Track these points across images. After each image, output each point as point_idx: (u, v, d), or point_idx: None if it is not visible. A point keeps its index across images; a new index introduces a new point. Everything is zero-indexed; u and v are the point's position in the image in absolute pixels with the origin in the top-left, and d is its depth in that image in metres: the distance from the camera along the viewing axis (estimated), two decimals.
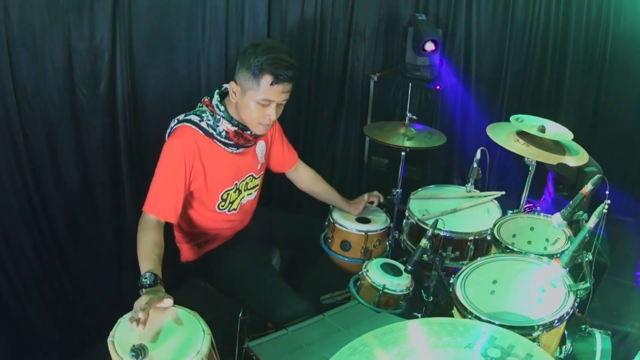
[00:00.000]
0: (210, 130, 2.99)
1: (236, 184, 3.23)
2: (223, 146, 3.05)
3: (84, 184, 3.53)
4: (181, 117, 3.01)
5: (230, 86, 2.96)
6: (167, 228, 3.08)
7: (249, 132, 3.07)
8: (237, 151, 3.13)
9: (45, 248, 3.38)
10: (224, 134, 3.01)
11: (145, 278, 2.53)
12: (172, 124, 3.02)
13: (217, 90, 3.09)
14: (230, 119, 3.00)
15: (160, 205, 2.86)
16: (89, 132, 3.48)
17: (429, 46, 5.22)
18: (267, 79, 2.81)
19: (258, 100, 2.87)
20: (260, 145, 3.36)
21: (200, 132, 2.96)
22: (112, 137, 3.62)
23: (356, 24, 5.52)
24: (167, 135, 3.03)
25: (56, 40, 3.17)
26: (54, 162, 3.34)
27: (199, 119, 2.98)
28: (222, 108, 3.00)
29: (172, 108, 3.11)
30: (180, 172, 2.89)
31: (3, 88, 2.96)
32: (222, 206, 3.21)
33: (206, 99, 3.07)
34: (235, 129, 3.02)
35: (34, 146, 3.20)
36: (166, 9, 3.72)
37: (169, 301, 2.37)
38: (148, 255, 2.65)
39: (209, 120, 2.99)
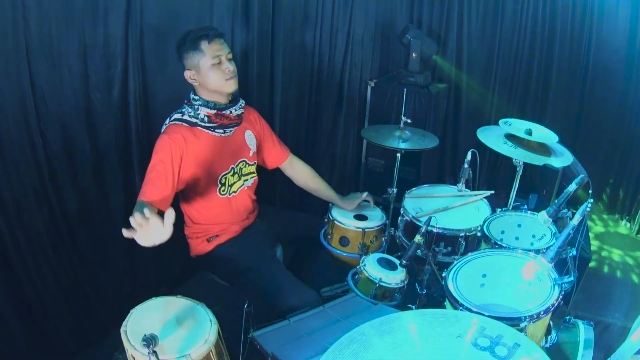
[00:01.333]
0: (194, 120, 3.09)
1: (232, 168, 3.27)
2: (210, 131, 3.14)
3: (98, 183, 3.54)
4: (167, 120, 3.13)
5: (186, 76, 3.09)
6: (177, 225, 3.09)
7: (228, 112, 3.17)
8: (225, 134, 3.22)
9: (62, 243, 3.39)
10: (206, 119, 3.10)
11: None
12: (162, 129, 3.11)
13: (191, 90, 3.18)
14: (206, 104, 3.10)
15: (149, 193, 2.89)
16: (103, 134, 3.48)
17: (423, 54, 5.24)
18: (203, 43, 3.00)
19: (211, 62, 3.01)
20: (249, 134, 3.42)
21: (185, 124, 3.07)
22: (125, 138, 3.63)
23: (354, 32, 5.52)
24: None
25: (72, 49, 3.17)
26: (69, 162, 3.34)
27: (181, 114, 3.11)
28: (197, 97, 3.11)
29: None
30: (168, 163, 2.95)
31: (22, 93, 2.97)
32: (223, 191, 3.25)
33: (186, 100, 3.17)
34: (215, 111, 3.12)
35: (51, 147, 3.21)
36: (175, 17, 3.72)
37: (170, 213, 2.33)
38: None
39: (190, 112, 3.10)
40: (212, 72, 3.02)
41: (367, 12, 5.57)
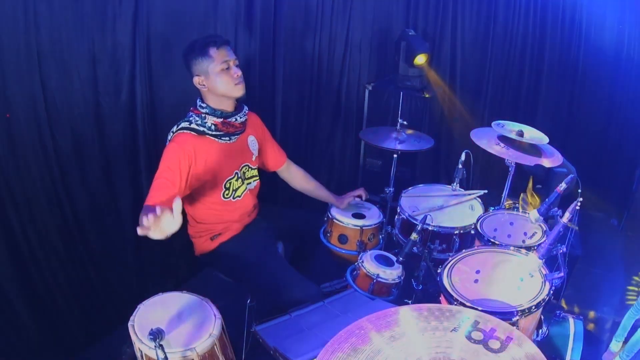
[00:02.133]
0: (201, 129, 3.07)
1: (236, 173, 3.28)
2: (216, 139, 3.13)
3: (106, 183, 3.54)
4: (174, 128, 3.10)
5: (196, 82, 3.08)
6: (181, 225, 3.10)
7: (234, 119, 3.16)
8: (230, 141, 3.21)
9: (72, 241, 3.39)
10: (213, 127, 3.09)
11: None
12: (169, 137, 3.10)
13: (198, 97, 3.16)
14: (213, 112, 3.09)
15: (156, 199, 2.87)
16: (111, 137, 3.49)
17: (420, 59, 5.22)
18: (212, 49, 3.01)
19: (220, 68, 3.02)
20: (252, 140, 3.43)
21: (193, 133, 3.05)
22: (132, 141, 3.63)
23: (352, 38, 5.52)
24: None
25: (82, 54, 3.18)
26: (79, 163, 3.35)
27: (188, 123, 3.08)
28: (204, 105, 3.10)
29: (186, 114, 3.14)
30: (176, 171, 2.94)
31: (34, 96, 2.98)
32: (227, 195, 3.25)
33: (192, 107, 3.15)
34: (221, 119, 3.11)
35: (62, 148, 3.22)
36: (181, 24, 3.73)
37: (177, 202, 2.31)
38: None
39: (197, 120, 3.08)
40: (220, 77, 3.02)
41: (365, 19, 5.57)
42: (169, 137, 3.09)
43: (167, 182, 2.92)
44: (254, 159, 3.41)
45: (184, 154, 2.96)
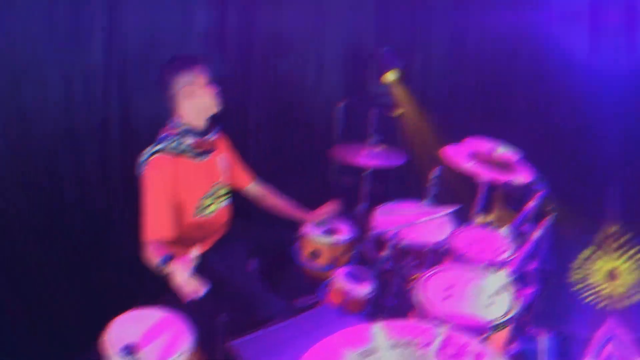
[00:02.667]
0: (179, 149, 3.06)
1: (209, 191, 3.28)
2: (192, 159, 3.13)
3: (82, 200, 3.55)
4: (150, 149, 3.04)
5: (183, 92, 3.06)
6: None
7: (207, 137, 3.19)
8: (204, 159, 3.21)
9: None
10: (189, 147, 3.09)
11: (161, 260, 2.67)
12: (143, 159, 3.03)
13: (171, 118, 3.14)
14: (190, 131, 3.10)
15: (158, 231, 2.94)
16: (87, 153, 3.51)
17: (390, 76, 5.25)
18: (196, 64, 3.09)
19: (205, 81, 3.10)
20: (221, 158, 3.43)
21: (171, 155, 3.03)
22: (108, 155, 3.65)
23: (324, 55, 5.54)
24: (139, 169, 3.06)
25: (55, 71, 3.18)
26: (55, 175, 3.37)
27: (165, 144, 3.04)
28: (180, 124, 3.08)
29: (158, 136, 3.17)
30: (163, 197, 2.96)
31: (9, 115, 2.99)
32: (199, 212, 3.23)
33: (163, 128, 3.13)
34: (197, 138, 3.12)
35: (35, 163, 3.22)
36: (155, 44, 3.74)
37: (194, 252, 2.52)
38: (157, 254, 2.76)
39: (172, 142, 3.05)
40: (207, 89, 3.09)
41: (337, 36, 5.59)
42: (144, 160, 3.03)
43: (160, 211, 2.96)
44: (224, 177, 3.41)
45: (167, 177, 2.96)
